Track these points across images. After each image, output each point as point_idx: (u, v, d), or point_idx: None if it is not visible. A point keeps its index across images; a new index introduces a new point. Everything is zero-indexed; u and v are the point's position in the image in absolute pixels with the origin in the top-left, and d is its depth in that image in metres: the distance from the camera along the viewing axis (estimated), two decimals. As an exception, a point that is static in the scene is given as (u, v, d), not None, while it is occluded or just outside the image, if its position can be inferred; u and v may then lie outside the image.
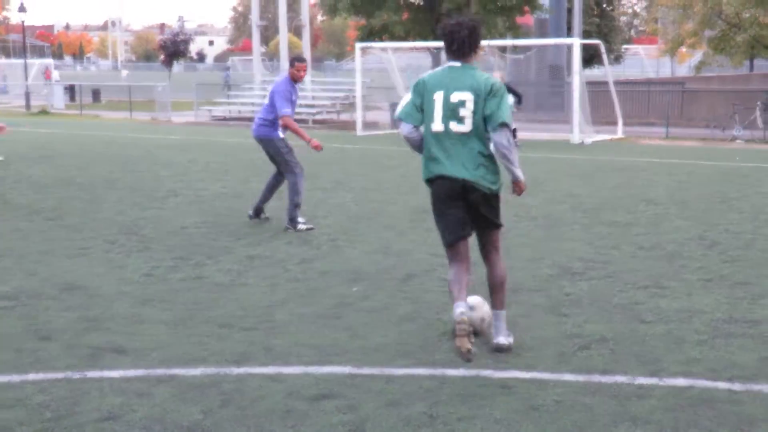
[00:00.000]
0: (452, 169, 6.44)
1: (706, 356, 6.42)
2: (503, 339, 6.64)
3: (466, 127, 6.38)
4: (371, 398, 5.63)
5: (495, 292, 6.80)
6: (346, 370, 6.17)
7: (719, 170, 18.72)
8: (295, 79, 11.91)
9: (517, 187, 6.73)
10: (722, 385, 5.83)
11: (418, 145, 6.70)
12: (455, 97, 6.39)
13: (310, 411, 5.42)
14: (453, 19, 6.68)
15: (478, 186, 6.45)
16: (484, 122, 6.36)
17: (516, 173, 6.60)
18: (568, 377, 6.01)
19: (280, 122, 11.66)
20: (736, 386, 5.80)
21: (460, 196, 6.52)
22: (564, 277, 8.92)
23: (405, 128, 6.69)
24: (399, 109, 6.75)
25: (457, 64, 6.56)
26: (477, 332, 6.57)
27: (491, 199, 6.60)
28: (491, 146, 6.48)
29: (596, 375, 6.04)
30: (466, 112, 6.37)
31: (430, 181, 6.68)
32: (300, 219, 11.66)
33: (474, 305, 6.81)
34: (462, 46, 6.53)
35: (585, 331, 7.06)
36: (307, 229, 11.56)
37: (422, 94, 6.56)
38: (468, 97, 6.37)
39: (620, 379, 5.96)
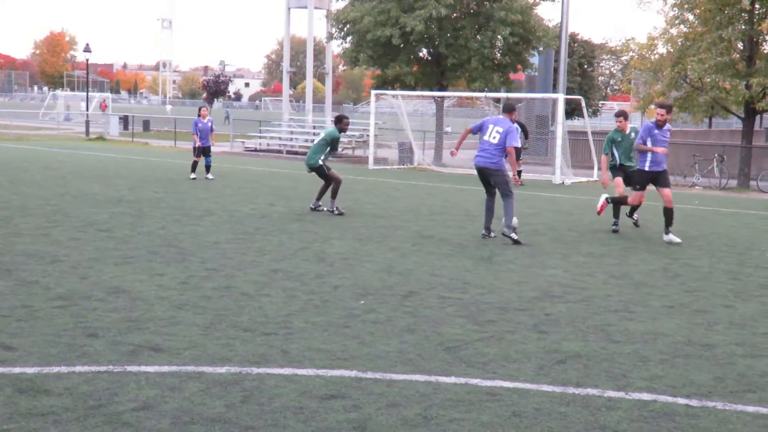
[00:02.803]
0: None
1: (667, 374, 6.31)
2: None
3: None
4: (374, 400, 5.53)
5: (335, 194, 15.57)
6: (353, 373, 6.07)
7: (681, 212, 18.59)
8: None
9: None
10: (681, 400, 5.72)
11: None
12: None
13: (320, 409, 5.33)
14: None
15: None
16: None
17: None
18: (547, 388, 5.90)
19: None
20: (694, 402, 5.69)
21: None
22: (545, 300, 8.82)
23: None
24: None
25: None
26: None
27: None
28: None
29: (571, 387, 5.93)
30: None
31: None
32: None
33: None
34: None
35: (562, 348, 6.95)
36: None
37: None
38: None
39: (592, 391, 5.85)
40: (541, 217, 16.46)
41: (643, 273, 10.58)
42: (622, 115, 15.30)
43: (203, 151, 22.35)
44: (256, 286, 9.01)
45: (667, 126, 13.45)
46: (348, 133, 38.34)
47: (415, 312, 8.07)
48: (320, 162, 15.89)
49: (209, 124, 22.52)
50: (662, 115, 13.38)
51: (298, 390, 5.67)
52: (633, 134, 14.72)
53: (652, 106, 36.16)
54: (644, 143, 13.32)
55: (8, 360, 6.12)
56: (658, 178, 13.56)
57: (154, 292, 8.49)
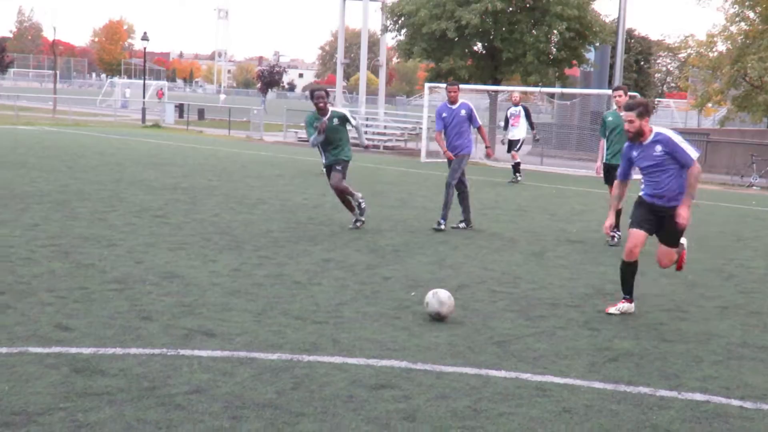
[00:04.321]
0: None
1: (721, 375, 6.22)
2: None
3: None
4: (423, 391, 5.54)
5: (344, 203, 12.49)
6: (403, 364, 6.08)
7: (736, 212, 18.33)
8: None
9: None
10: (735, 402, 5.64)
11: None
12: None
13: (370, 398, 5.35)
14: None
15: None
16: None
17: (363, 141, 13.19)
18: (598, 385, 5.86)
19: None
20: (748, 404, 5.61)
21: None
22: (597, 297, 8.75)
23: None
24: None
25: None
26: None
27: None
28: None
29: (622, 385, 5.88)
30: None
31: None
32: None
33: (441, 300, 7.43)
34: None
35: (614, 345, 6.89)
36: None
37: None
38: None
39: (644, 390, 5.80)
40: (594, 213, 16.31)
41: (696, 273, 10.43)
42: (621, 89, 12.36)
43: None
44: (307, 275, 9.06)
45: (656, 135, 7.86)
46: (401, 125, 38.45)
47: (466, 305, 8.05)
48: (324, 162, 12.73)
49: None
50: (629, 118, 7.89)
51: (348, 378, 5.70)
52: None
53: (710, 105, 35.67)
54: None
55: (65, 340, 6.23)
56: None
57: (207, 278, 8.59)
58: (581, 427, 5.05)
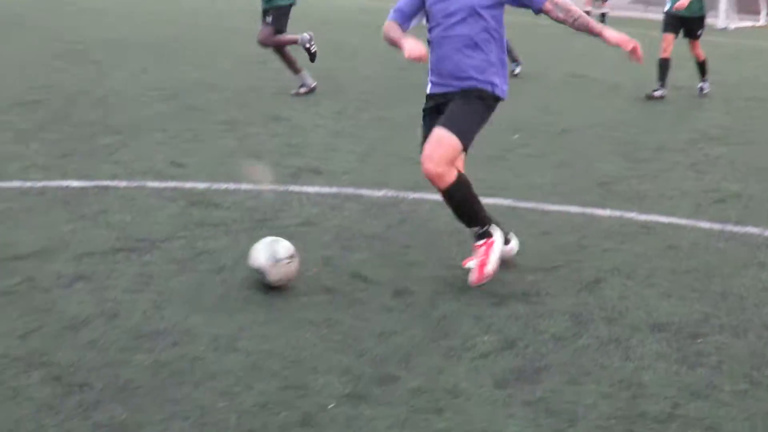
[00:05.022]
0: None
1: (833, 217, 6.11)
2: None
3: None
4: (528, 227, 5.60)
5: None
6: (507, 202, 6.14)
7: None
8: None
9: None
10: None
11: None
12: None
13: (475, 233, 5.43)
14: None
15: None
16: None
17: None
18: (704, 224, 5.83)
19: None
20: None
21: None
22: (703, 141, 8.57)
23: None
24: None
25: None
26: None
27: None
28: None
29: (729, 225, 5.83)
30: None
31: None
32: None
33: None
34: None
35: (721, 187, 6.80)
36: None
37: None
38: None
39: (752, 230, 5.74)
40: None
41: (809, 119, 10.10)
42: None
43: None
44: (410, 117, 9.03)
45: None
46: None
47: (570, 148, 8.00)
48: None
49: None
50: None
51: (452, 215, 5.77)
52: None
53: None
54: None
55: (179, 176, 6.47)
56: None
57: (311, 121, 8.70)
58: (687, 263, 5.06)
